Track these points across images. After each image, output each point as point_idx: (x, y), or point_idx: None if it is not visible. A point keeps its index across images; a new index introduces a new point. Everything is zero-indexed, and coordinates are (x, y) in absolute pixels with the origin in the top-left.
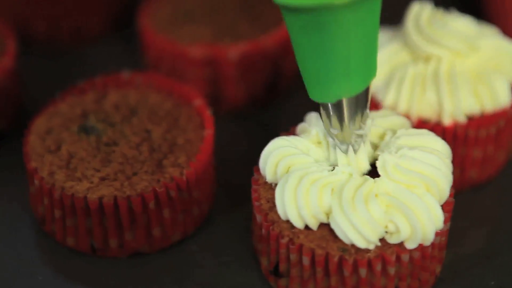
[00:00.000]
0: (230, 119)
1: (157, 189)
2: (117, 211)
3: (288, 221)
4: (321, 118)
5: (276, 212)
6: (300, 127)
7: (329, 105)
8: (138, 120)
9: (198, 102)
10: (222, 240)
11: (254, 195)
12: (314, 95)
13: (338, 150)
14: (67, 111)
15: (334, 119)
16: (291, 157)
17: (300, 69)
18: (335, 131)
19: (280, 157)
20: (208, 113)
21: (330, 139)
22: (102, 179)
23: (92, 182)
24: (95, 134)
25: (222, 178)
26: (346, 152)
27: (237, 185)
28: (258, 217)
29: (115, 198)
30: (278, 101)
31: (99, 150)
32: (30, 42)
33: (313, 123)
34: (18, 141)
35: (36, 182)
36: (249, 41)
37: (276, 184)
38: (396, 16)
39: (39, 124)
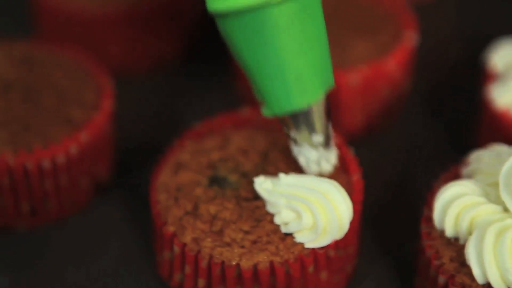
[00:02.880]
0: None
1: (317, 250)
2: (273, 278)
3: (486, 285)
4: (296, 133)
5: (465, 273)
6: (469, 168)
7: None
8: (273, 167)
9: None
10: None
11: (430, 252)
12: (291, 102)
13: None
14: (191, 162)
15: (318, 124)
16: (476, 208)
17: (263, 82)
18: (319, 137)
19: (462, 208)
20: (350, 155)
21: (310, 155)
22: (254, 242)
23: (243, 247)
24: (229, 187)
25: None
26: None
27: (380, 227)
28: (442, 279)
29: (271, 263)
30: (393, 126)
31: (241, 207)
32: None
33: (487, 162)
34: (122, 194)
35: (176, 248)
36: (370, 64)
37: (456, 239)
38: None
39: (165, 179)
